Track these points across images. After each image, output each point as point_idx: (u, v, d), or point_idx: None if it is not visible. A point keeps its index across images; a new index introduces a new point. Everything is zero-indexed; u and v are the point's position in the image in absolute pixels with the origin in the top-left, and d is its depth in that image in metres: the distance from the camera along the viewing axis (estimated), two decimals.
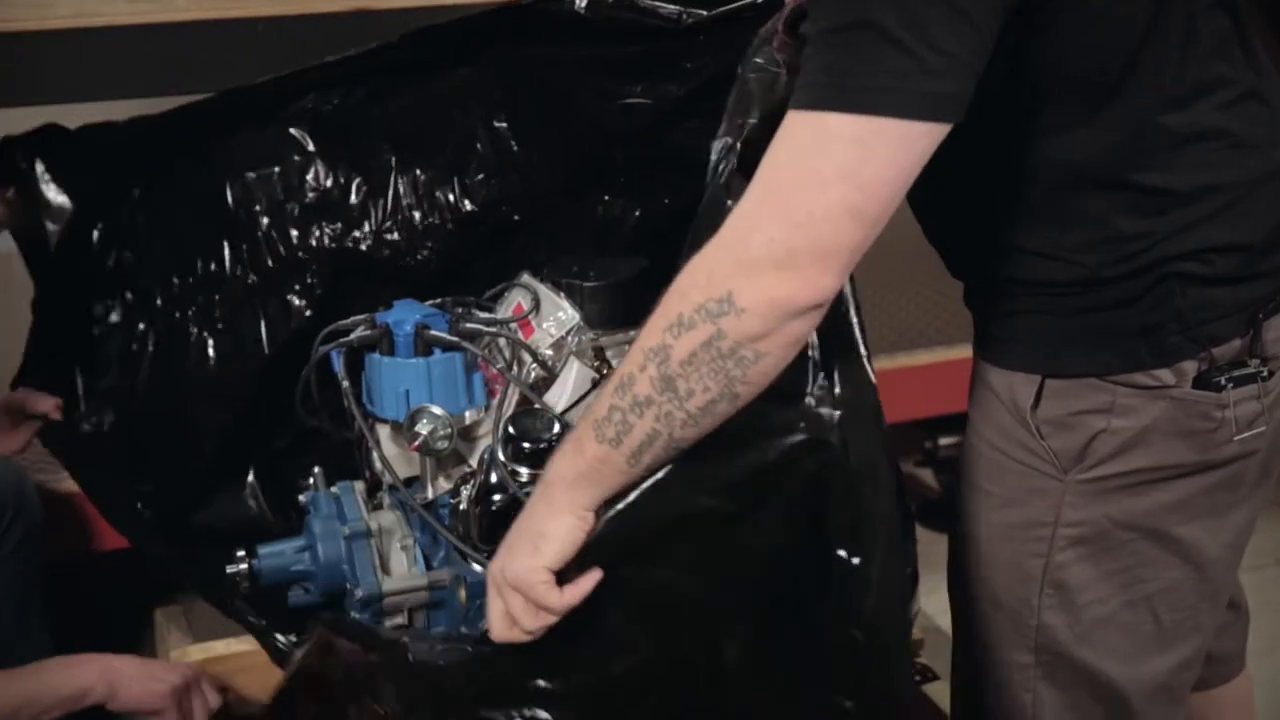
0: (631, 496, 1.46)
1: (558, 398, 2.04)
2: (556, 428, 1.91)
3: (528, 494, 1.84)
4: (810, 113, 1.32)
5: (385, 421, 2.06)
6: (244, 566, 2.10)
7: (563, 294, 2.11)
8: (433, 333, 2.02)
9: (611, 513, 1.47)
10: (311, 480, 2.19)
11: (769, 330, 1.34)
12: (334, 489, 2.16)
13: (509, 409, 2.04)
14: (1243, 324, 1.60)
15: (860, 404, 1.48)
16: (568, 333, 2.08)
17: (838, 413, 1.46)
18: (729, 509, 1.49)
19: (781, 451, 1.47)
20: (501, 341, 2.11)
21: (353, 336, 2.07)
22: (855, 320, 1.50)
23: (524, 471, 1.89)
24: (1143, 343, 1.59)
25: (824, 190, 1.31)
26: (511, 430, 1.90)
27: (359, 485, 2.17)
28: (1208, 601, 1.75)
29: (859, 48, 1.31)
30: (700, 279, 1.36)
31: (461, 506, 1.96)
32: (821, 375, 1.46)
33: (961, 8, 1.31)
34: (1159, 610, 1.71)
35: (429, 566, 2.05)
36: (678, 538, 1.50)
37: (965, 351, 1.83)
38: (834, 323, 1.44)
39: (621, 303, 2.12)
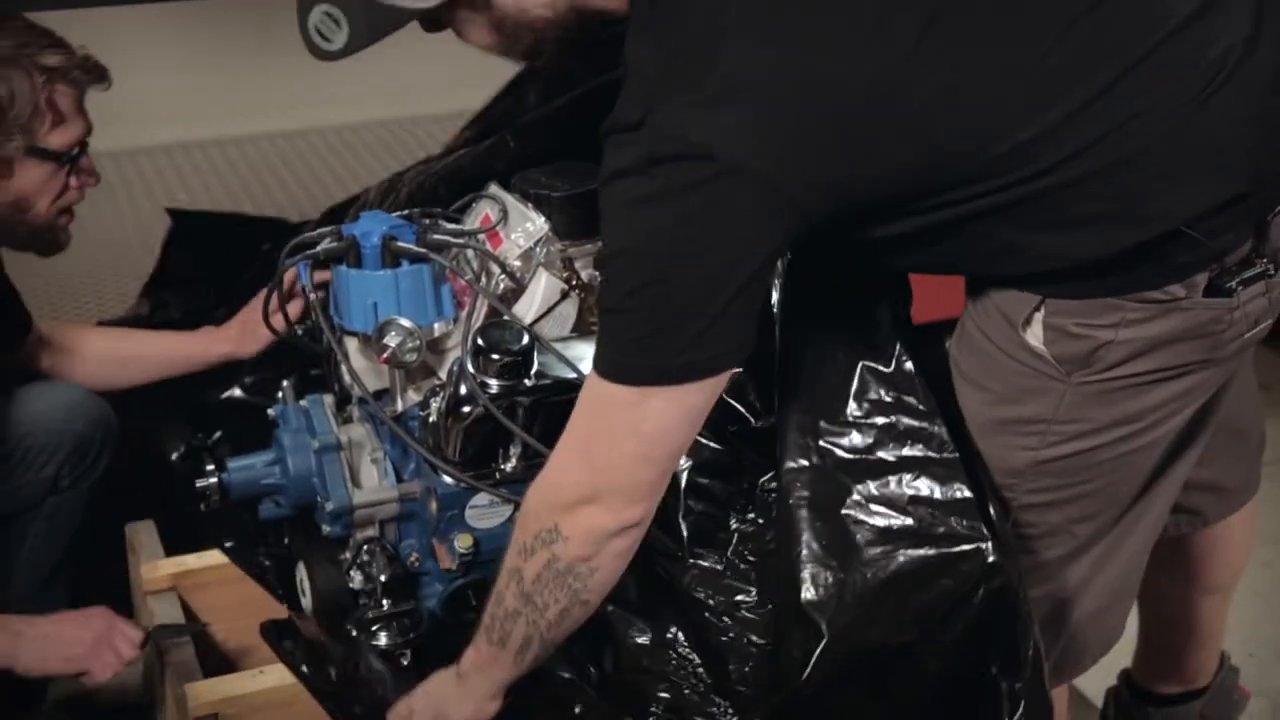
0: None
1: (526, 309, 2.03)
2: (525, 339, 1.90)
3: (501, 407, 1.85)
4: (598, 380, 1.54)
5: (353, 334, 2.05)
6: (214, 480, 2.10)
7: (531, 204, 2.09)
8: (400, 244, 2.00)
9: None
10: (280, 394, 2.19)
11: (593, 552, 1.59)
12: (303, 402, 2.15)
13: (478, 320, 2.03)
14: (1249, 230, 1.59)
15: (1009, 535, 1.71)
16: (536, 243, 2.07)
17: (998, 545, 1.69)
18: (909, 638, 1.69)
19: (959, 580, 1.68)
20: (469, 253, 2.10)
21: (319, 249, 2.05)
22: None
23: (493, 383, 1.89)
24: (1150, 266, 1.58)
25: (614, 443, 1.54)
26: (480, 342, 1.90)
27: (328, 398, 2.17)
28: (1177, 466, 1.78)
29: (629, 324, 1.50)
30: (533, 513, 1.62)
31: (431, 419, 1.95)
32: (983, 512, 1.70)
33: (716, 306, 1.46)
34: (1131, 483, 1.75)
35: (399, 479, 2.06)
36: (865, 665, 1.69)
37: None
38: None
39: (590, 213, 2.08)
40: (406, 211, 2.12)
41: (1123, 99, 1.48)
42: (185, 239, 2.81)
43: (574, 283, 2.06)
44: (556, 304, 2.04)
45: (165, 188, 3.69)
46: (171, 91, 4.24)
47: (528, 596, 1.64)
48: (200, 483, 2.11)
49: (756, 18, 1.46)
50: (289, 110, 4.25)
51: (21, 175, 2.01)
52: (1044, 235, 1.56)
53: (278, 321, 2.17)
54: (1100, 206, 1.52)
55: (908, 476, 1.74)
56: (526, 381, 1.90)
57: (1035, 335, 1.65)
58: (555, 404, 1.92)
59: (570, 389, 1.91)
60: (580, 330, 2.06)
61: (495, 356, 1.88)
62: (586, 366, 1.91)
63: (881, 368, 1.79)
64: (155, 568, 2.27)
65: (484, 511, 1.96)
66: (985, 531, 1.69)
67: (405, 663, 1.97)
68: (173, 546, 2.34)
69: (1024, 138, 1.48)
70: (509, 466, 1.95)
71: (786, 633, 1.72)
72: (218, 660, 2.27)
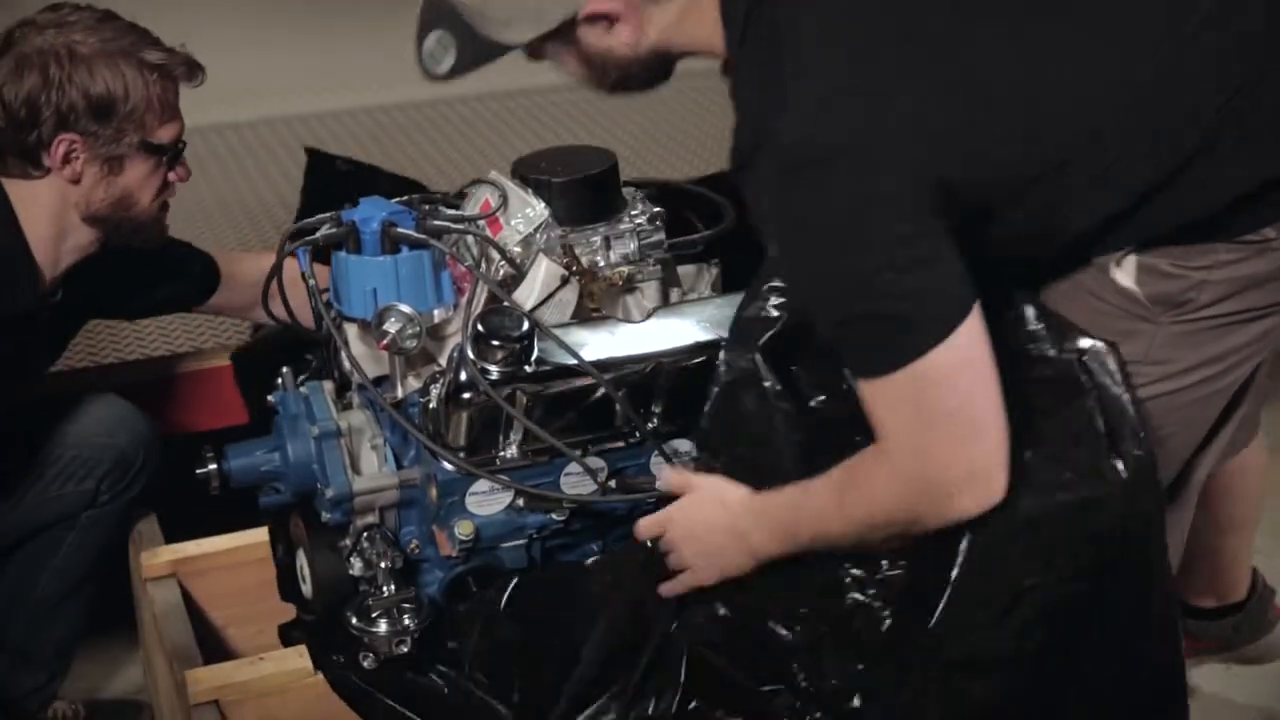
0: None
1: (527, 295, 2.02)
2: (525, 325, 1.89)
3: (501, 394, 1.85)
4: (871, 383, 1.58)
5: (353, 320, 2.05)
6: (213, 467, 2.09)
7: (531, 190, 2.09)
8: (400, 230, 1.99)
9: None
10: (280, 380, 2.18)
11: (944, 526, 1.62)
12: (302, 389, 2.15)
13: (478, 307, 2.02)
14: None
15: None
16: (536, 229, 2.06)
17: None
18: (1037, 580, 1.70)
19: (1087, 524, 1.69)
20: (469, 239, 2.09)
21: (319, 235, 2.04)
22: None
23: (493, 370, 1.88)
24: (1248, 211, 1.63)
25: (933, 427, 1.55)
26: (480, 328, 1.89)
27: (328, 385, 2.16)
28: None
29: (864, 320, 1.56)
30: (888, 503, 1.63)
31: (431, 405, 1.95)
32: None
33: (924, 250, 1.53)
34: (1198, 430, 1.82)
35: (399, 466, 2.05)
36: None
37: None
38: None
39: (590, 198, 2.09)
40: (406, 197, 2.12)
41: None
42: (320, 181, 2.82)
43: (574, 269, 2.05)
44: (557, 290, 2.04)
45: (238, 165, 3.70)
46: (241, 69, 4.25)
47: (863, 542, 1.71)
48: (200, 470, 2.10)
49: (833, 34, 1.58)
50: (360, 87, 4.26)
51: (130, 171, 2.03)
52: (1159, 201, 1.61)
53: (278, 308, 2.16)
54: (1227, 170, 1.59)
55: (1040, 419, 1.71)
56: (527, 368, 1.90)
57: (1127, 275, 1.68)
58: (555, 390, 1.92)
59: (570, 375, 1.91)
60: (580, 316, 2.06)
61: (495, 343, 1.88)
62: (587, 353, 1.91)
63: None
64: (155, 555, 2.26)
65: (484, 498, 1.96)
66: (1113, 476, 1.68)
67: (405, 650, 1.96)
68: (172, 534, 2.34)
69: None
70: (509, 453, 1.95)
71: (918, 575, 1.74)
72: (217, 647, 2.27)
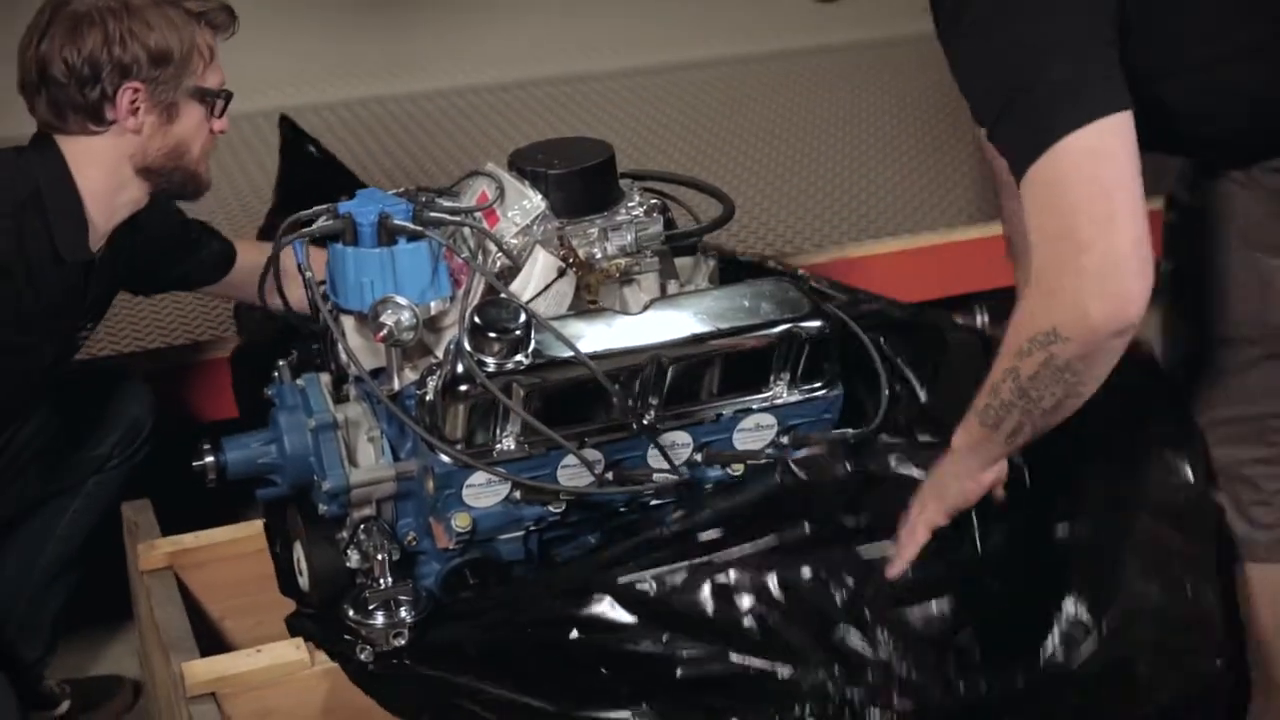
0: None
1: (523, 287, 2.02)
2: (522, 317, 1.89)
3: (498, 386, 1.85)
4: (1029, 178, 1.62)
5: (350, 312, 2.04)
6: (210, 460, 2.09)
7: (527, 182, 2.09)
8: (396, 222, 1.99)
9: None
10: (276, 373, 2.18)
11: (1089, 351, 1.64)
12: (299, 381, 2.14)
13: (474, 299, 2.02)
14: None
15: None
16: (533, 221, 2.06)
17: None
18: None
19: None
20: (466, 231, 2.09)
21: (315, 227, 2.04)
22: None
23: (490, 362, 1.88)
24: None
25: (1075, 224, 1.58)
26: (477, 320, 1.89)
27: (324, 377, 2.16)
28: None
29: (1015, 111, 1.63)
30: (1029, 317, 1.67)
31: (428, 397, 1.95)
32: None
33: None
34: None
35: (396, 458, 2.05)
36: None
37: (929, 240, 1.84)
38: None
39: (587, 190, 2.09)
40: (402, 189, 2.11)
41: None
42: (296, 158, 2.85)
43: (571, 260, 2.05)
44: (554, 282, 2.04)
45: (234, 157, 3.70)
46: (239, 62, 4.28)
47: (1023, 390, 1.72)
48: (197, 462, 2.10)
49: None
50: (356, 80, 4.27)
51: (185, 118, 2.08)
52: None
53: (274, 299, 2.17)
54: None
55: None
56: (523, 360, 1.90)
57: None
58: (552, 382, 1.92)
59: (567, 367, 1.91)
60: (577, 308, 2.06)
61: (492, 335, 1.88)
62: (584, 344, 1.91)
63: None
64: (152, 547, 2.27)
65: (481, 490, 1.95)
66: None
67: (402, 642, 1.96)
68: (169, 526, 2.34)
69: None
70: (506, 445, 1.95)
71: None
72: (214, 639, 2.27)
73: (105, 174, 2.06)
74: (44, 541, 2.34)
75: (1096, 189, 1.58)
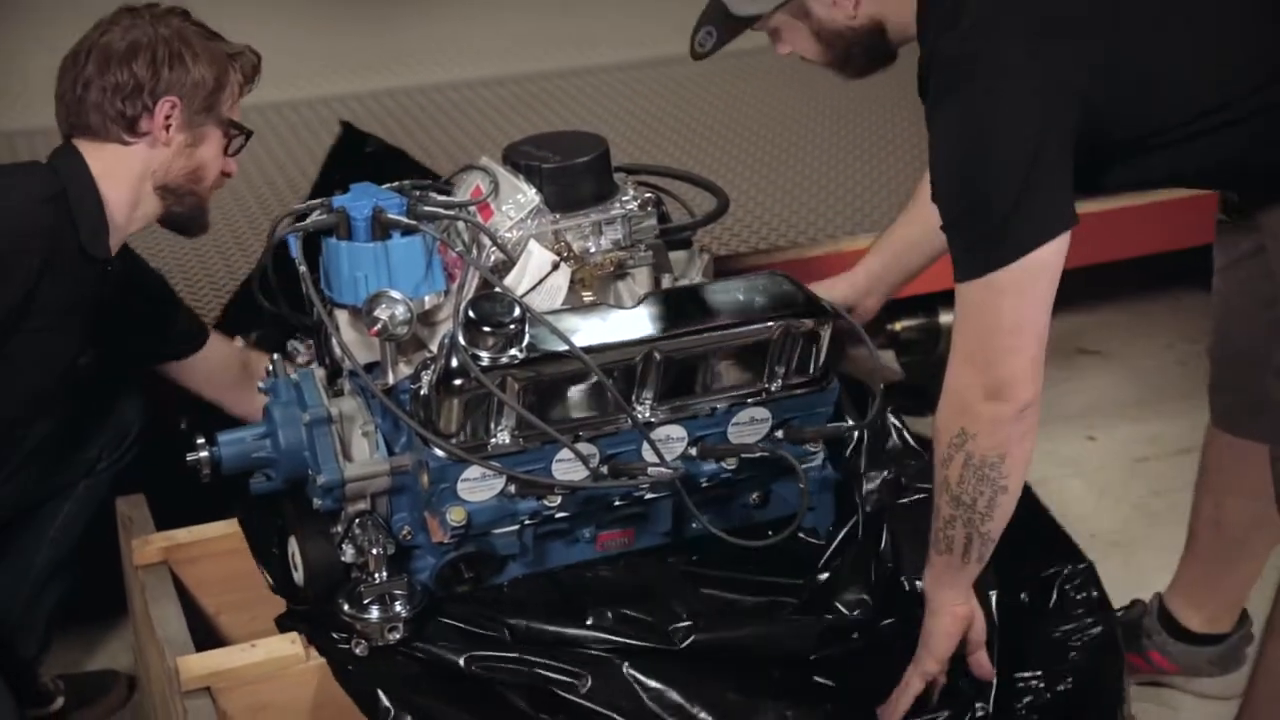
0: None
1: (518, 281, 2.02)
2: (516, 311, 1.89)
3: (492, 380, 1.85)
4: (960, 287, 1.77)
5: (344, 307, 2.04)
6: (204, 454, 2.09)
7: (522, 176, 2.08)
8: (390, 216, 1.99)
9: None
10: (271, 367, 2.18)
11: (1000, 440, 1.80)
12: (294, 375, 2.14)
13: (469, 293, 2.02)
14: None
15: None
16: (527, 215, 2.06)
17: None
18: None
19: None
20: (460, 225, 2.09)
21: (309, 221, 2.04)
22: None
23: (484, 356, 1.88)
24: None
25: (988, 339, 1.77)
26: (472, 314, 1.89)
27: (319, 371, 2.16)
28: None
29: (964, 230, 1.77)
30: (943, 425, 1.84)
31: (422, 392, 1.95)
32: None
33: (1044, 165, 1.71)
34: None
35: (391, 452, 2.05)
36: None
37: None
38: None
39: (581, 184, 2.09)
40: (397, 183, 2.11)
41: None
42: (349, 156, 2.86)
43: (565, 254, 2.05)
44: (548, 276, 2.03)
45: (264, 146, 3.70)
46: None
47: (956, 499, 1.86)
48: (190, 456, 2.10)
49: None
50: (351, 73, 4.26)
51: (208, 145, 2.18)
52: None
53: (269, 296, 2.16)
54: None
55: None
56: (518, 354, 1.90)
57: None
58: (546, 376, 1.92)
59: (561, 361, 1.91)
60: (571, 302, 2.06)
61: (487, 329, 1.88)
62: (578, 338, 1.91)
63: None
64: (146, 542, 2.26)
65: (476, 484, 1.95)
66: None
67: (397, 637, 1.96)
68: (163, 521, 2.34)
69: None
70: (501, 439, 1.94)
71: None
72: (209, 634, 2.27)
73: (128, 185, 2.14)
74: (38, 544, 2.35)
75: (1011, 322, 1.76)
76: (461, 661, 1.96)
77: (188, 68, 2.12)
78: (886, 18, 1.90)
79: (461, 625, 2.01)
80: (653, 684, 1.94)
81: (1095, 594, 2.14)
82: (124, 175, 2.13)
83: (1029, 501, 2.12)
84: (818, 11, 1.90)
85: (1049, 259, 1.73)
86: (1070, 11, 1.76)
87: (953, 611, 1.94)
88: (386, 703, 1.90)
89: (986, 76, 1.72)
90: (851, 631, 2.05)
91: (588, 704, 1.92)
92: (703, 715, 1.92)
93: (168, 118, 2.11)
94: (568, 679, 1.94)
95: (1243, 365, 2.20)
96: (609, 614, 2.02)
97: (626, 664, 1.95)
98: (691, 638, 1.99)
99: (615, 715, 1.92)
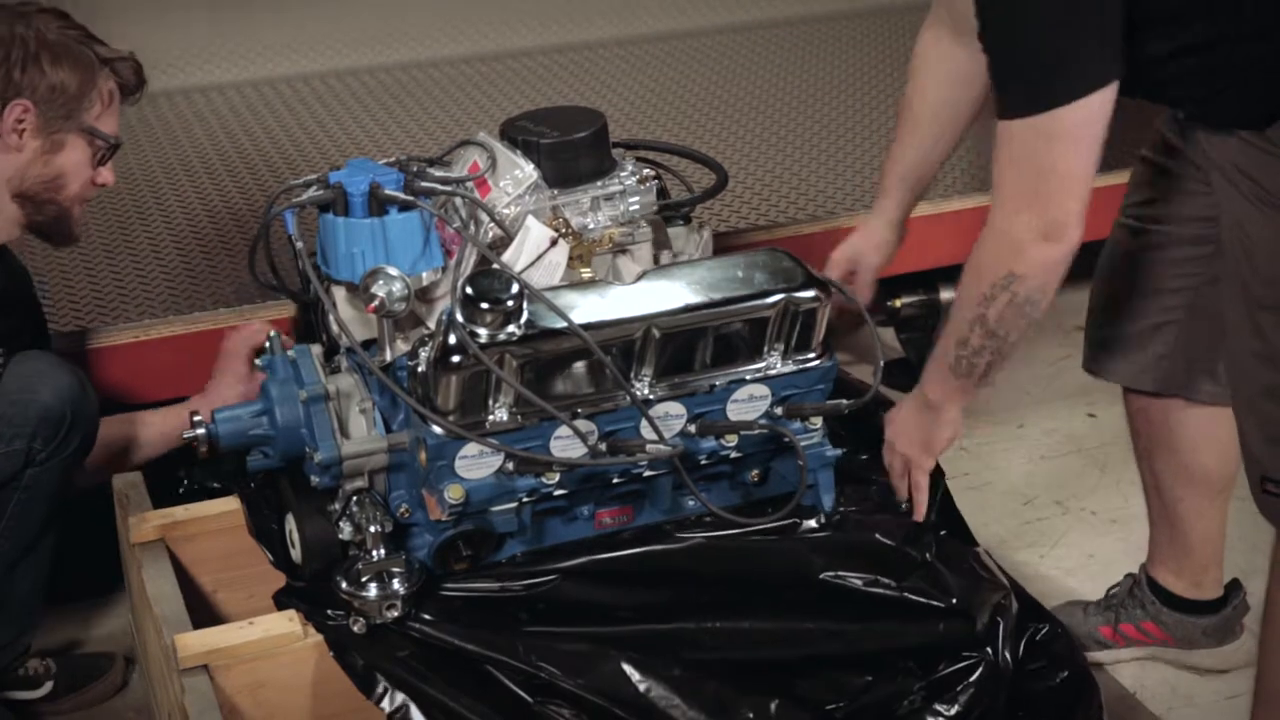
0: None
1: (516, 257, 2.01)
2: (514, 287, 1.88)
3: (490, 357, 1.84)
4: (1010, 123, 1.81)
5: (341, 283, 2.03)
6: (201, 431, 2.08)
7: (519, 151, 2.07)
8: (387, 192, 1.98)
9: None
10: (268, 344, 2.17)
11: (1048, 279, 1.89)
12: (291, 352, 2.13)
13: (466, 269, 2.01)
14: None
15: None
16: (525, 191, 2.05)
17: None
18: None
19: None
20: (458, 200, 2.07)
21: (305, 197, 2.02)
22: None
23: (482, 332, 1.87)
24: None
25: (1042, 179, 1.81)
26: (469, 291, 1.88)
27: (316, 349, 2.15)
28: None
29: (1019, 63, 1.80)
30: (988, 266, 1.90)
31: (420, 369, 1.94)
32: None
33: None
34: None
35: (388, 429, 2.04)
36: None
37: (923, 209, 1.86)
38: None
39: (580, 159, 2.08)
40: (393, 159, 2.10)
41: None
42: None
43: (563, 230, 2.04)
44: (546, 252, 2.03)
45: (187, 132, 3.68)
46: (228, 30, 4.27)
47: (992, 332, 1.93)
48: (187, 434, 2.09)
49: None
50: (349, 50, 4.26)
51: (69, 152, 2.14)
52: None
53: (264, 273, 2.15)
54: None
55: None
56: (516, 331, 1.89)
57: None
58: (545, 353, 1.91)
59: (559, 338, 1.90)
60: (570, 279, 2.05)
61: (484, 305, 1.87)
62: (576, 315, 1.90)
63: None
64: (143, 520, 2.26)
65: (473, 462, 1.95)
66: None
67: (395, 614, 1.96)
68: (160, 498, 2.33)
69: None
70: (499, 416, 1.94)
71: None
72: (207, 612, 2.27)
73: None
74: None
75: (1071, 159, 1.81)
76: (458, 641, 1.96)
77: (43, 71, 2.08)
78: None
79: (460, 604, 2.01)
80: (647, 676, 1.95)
81: (1068, 646, 2.17)
82: None
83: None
84: None
85: (1098, 107, 1.79)
86: None
87: (956, 420, 2.06)
88: (383, 681, 1.91)
89: None
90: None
91: (583, 693, 1.93)
92: (693, 712, 1.94)
93: (19, 121, 2.08)
94: (563, 664, 1.94)
95: (1130, 307, 2.29)
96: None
97: (623, 660, 1.96)
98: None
99: (611, 705, 1.93)
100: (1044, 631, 2.16)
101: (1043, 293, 1.90)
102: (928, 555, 2.12)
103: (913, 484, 2.11)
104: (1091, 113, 1.79)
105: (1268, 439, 2.03)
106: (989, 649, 2.08)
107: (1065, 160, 1.81)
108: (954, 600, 2.09)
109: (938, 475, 2.16)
